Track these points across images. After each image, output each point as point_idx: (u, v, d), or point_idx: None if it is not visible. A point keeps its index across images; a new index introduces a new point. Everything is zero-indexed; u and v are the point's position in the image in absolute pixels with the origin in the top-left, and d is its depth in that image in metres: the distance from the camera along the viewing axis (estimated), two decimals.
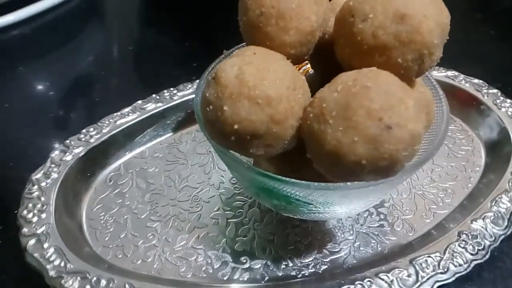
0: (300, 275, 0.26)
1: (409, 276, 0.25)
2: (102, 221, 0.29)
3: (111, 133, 0.33)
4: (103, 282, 0.24)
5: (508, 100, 0.34)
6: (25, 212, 0.27)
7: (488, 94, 0.35)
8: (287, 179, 0.23)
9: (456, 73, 0.37)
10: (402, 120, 0.20)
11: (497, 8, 0.53)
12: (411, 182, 0.31)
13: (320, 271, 0.27)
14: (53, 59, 0.49)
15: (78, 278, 0.24)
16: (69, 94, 0.43)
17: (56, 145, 0.34)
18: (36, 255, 0.25)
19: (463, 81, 0.36)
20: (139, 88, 0.42)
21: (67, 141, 0.32)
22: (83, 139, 0.32)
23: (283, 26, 0.23)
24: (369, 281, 0.24)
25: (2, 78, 0.45)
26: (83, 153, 0.31)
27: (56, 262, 0.25)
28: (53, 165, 0.30)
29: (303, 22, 0.23)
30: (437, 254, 0.26)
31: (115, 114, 0.34)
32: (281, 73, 0.22)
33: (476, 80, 0.36)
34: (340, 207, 0.24)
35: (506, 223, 0.27)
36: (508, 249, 0.28)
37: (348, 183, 0.22)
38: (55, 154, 0.31)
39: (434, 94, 0.27)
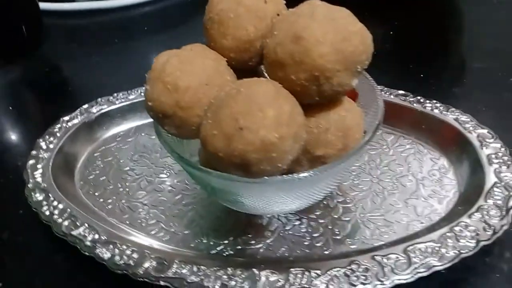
0: (205, 251, 0.30)
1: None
2: (94, 165, 0.36)
3: (135, 101, 0.40)
4: (55, 203, 0.31)
5: (506, 158, 0.31)
6: (41, 140, 0.36)
7: (488, 147, 0.32)
8: (184, 158, 0.26)
9: (469, 119, 0.35)
10: (254, 125, 0.22)
11: None
12: (359, 208, 0.31)
13: (224, 254, 0.29)
14: (163, 39, 0.59)
15: (43, 195, 0.32)
16: None
17: None
18: (29, 170, 0.34)
19: (471, 128, 0.34)
20: None
21: (99, 99, 0.40)
22: (110, 100, 0.40)
23: (222, 32, 0.27)
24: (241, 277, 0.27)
25: (120, 50, 0.55)
26: (105, 110, 0.39)
27: (38, 179, 0.33)
28: (78, 113, 0.39)
29: (240, 31, 0.27)
30: (317, 271, 0.26)
31: None
32: (199, 68, 0.26)
33: (484, 130, 0.34)
34: (236, 197, 0.27)
35: (409, 271, 0.26)
36: None
37: (226, 174, 0.25)
38: (85, 106, 0.39)
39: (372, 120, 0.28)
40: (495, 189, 0.30)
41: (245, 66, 0.29)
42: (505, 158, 0.32)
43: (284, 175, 0.24)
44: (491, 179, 0.30)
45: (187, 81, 0.25)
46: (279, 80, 0.24)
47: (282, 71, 0.24)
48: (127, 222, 0.32)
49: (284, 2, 0.28)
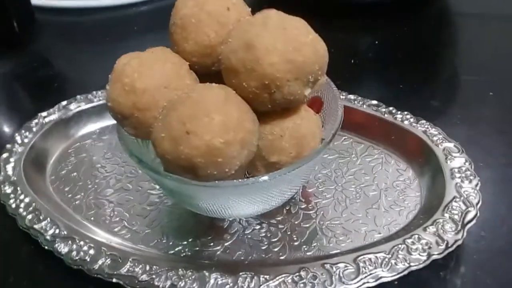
0: (163, 251, 0.30)
1: None
2: (68, 161, 0.37)
3: None
4: (22, 196, 0.32)
5: (469, 173, 0.31)
6: (17, 134, 0.37)
7: (453, 160, 0.33)
8: (141, 160, 0.27)
9: (437, 132, 0.35)
10: (200, 130, 0.22)
11: None
12: (320, 215, 0.32)
13: (182, 255, 0.30)
14: (153, 38, 0.59)
15: (12, 188, 0.33)
16: None
17: None
18: (1, 163, 0.35)
19: (438, 141, 0.34)
20: None
21: (78, 96, 0.41)
22: (89, 98, 0.40)
23: (184, 36, 0.27)
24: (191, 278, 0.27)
25: (110, 48, 0.55)
26: (82, 108, 0.40)
27: (9, 172, 0.34)
28: (56, 110, 0.39)
29: (201, 36, 0.27)
30: (266, 276, 0.27)
31: None
32: (158, 72, 0.26)
33: (450, 144, 0.34)
34: (191, 200, 0.28)
35: (357, 280, 0.26)
36: None
37: (177, 176, 0.25)
38: (63, 103, 0.40)
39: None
40: (453, 203, 0.30)
41: (209, 71, 0.29)
42: (468, 172, 0.32)
43: (235, 180, 0.25)
44: (451, 193, 0.31)
45: (144, 83, 0.26)
46: (233, 86, 0.25)
47: (236, 78, 0.25)
48: (92, 218, 0.33)
49: (249, 9, 0.29)
